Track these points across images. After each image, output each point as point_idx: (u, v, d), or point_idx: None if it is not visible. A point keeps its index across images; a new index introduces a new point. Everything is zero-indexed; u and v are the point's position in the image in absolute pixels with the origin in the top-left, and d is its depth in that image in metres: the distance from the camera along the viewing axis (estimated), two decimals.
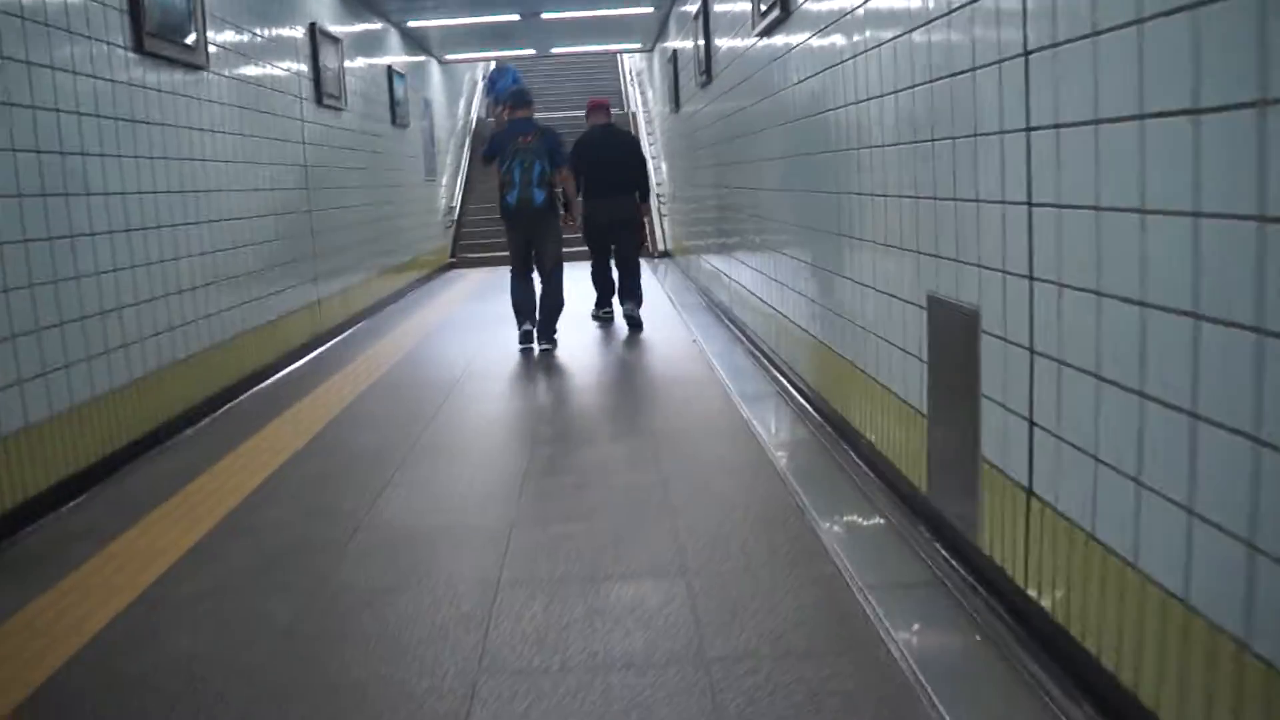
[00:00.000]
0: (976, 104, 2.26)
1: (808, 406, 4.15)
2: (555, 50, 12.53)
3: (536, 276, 6.27)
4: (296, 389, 5.18)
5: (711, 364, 5.31)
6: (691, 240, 9.41)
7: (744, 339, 5.87)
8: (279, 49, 6.11)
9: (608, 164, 6.77)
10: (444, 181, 12.91)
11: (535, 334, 6.12)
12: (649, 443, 3.81)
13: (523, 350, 6.09)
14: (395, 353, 6.27)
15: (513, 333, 6.43)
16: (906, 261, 2.84)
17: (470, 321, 7.70)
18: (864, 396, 3.34)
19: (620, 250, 6.98)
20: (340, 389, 5.16)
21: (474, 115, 15.55)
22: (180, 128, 4.56)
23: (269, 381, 5.40)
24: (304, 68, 6.64)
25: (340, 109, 7.44)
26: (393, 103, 9.40)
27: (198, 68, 4.78)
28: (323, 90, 6.92)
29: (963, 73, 2.34)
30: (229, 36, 5.23)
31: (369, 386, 5.22)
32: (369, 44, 8.71)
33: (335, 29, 7.43)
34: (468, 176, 14.15)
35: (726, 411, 4.26)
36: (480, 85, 16.29)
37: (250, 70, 5.53)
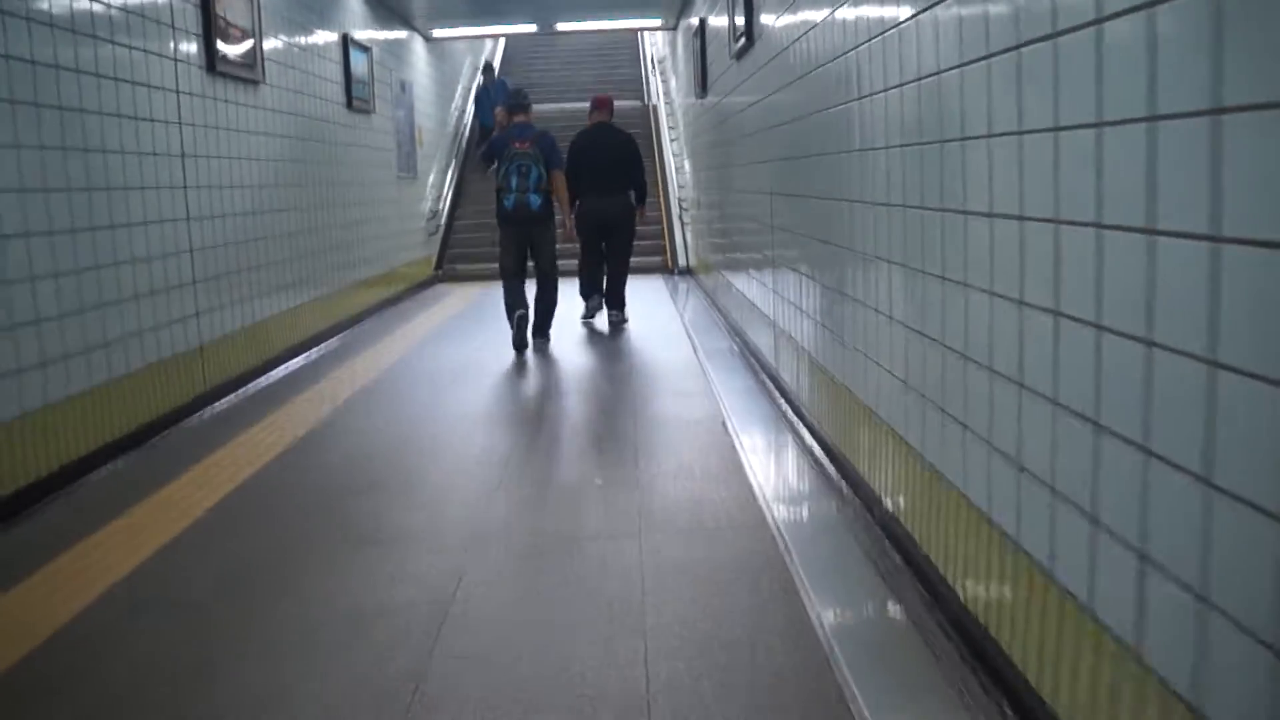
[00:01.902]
0: None
1: (984, 683, 2.12)
2: (561, 27, 10.58)
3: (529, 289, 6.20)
4: (103, 507, 3.28)
5: (754, 488, 3.31)
6: (718, 255, 7.47)
7: (800, 426, 3.91)
8: None
9: (603, 162, 6.73)
10: (431, 180, 11.01)
11: (529, 329, 6.10)
12: None
13: (516, 342, 5.99)
14: (297, 428, 4.37)
15: (476, 393, 4.64)
16: None
17: (427, 368, 5.79)
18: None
19: (610, 251, 6.96)
20: (166, 510, 3.26)
21: (470, 109, 13.54)
22: None
23: (64, 494, 3.50)
24: (186, 20, 4.76)
25: (252, 81, 5.55)
26: (348, 81, 7.50)
27: None
28: (218, 54, 5.02)
29: None
30: None
31: (214, 505, 3.32)
32: (313, 3, 6.81)
33: None
34: (460, 175, 12.23)
35: (799, 654, 2.29)
36: (480, 72, 14.37)
37: (58, 6, 3.64)
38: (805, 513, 3.11)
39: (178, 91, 4.63)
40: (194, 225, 4.74)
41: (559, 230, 6.26)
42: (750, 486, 3.30)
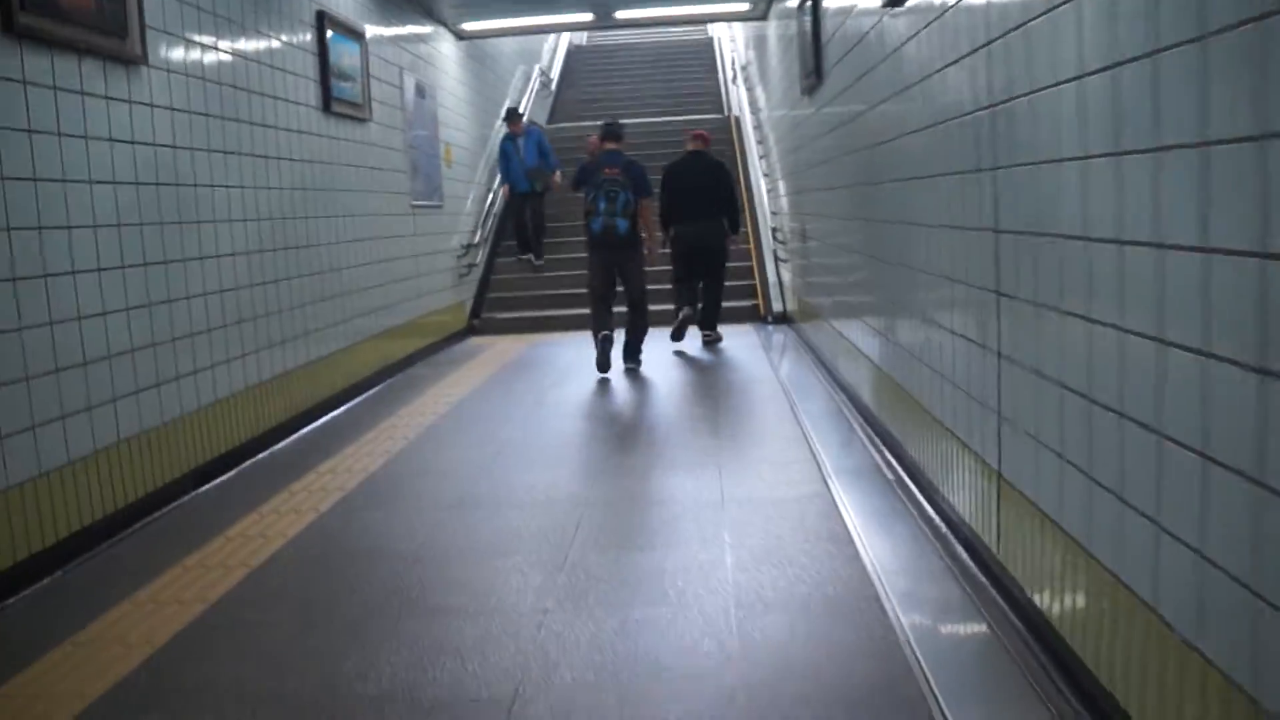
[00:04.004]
0: None
1: None
2: (621, 14, 8.44)
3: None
4: None
5: None
6: (827, 298, 5.26)
7: None
8: None
9: (695, 189, 6.83)
10: (467, 209, 8.97)
11: (611, 351, 6.04)
12: None
13: (599, 363, 5.98)
14: (94, 682, 2.25)
15: (450, 600, 2.43)
16: None
17: (400, 517, 3.64)
18: None
19: (704, 276, 7.02)
20: None
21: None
22: None
23: None
24: None
25: (122, 60, 3.50)
26: (325, 75, 5.46)
27: None
28: (17, 4, 2.98)
29: None
30: None
31: None
32: None
33: None
34: (502, 214, 9.98)
35: None
36: (534, 84, 12.36)
37: None
38: None
39: None
40: (20, 289, 2.69)
41: (644, 255, 6.24)
42: None
